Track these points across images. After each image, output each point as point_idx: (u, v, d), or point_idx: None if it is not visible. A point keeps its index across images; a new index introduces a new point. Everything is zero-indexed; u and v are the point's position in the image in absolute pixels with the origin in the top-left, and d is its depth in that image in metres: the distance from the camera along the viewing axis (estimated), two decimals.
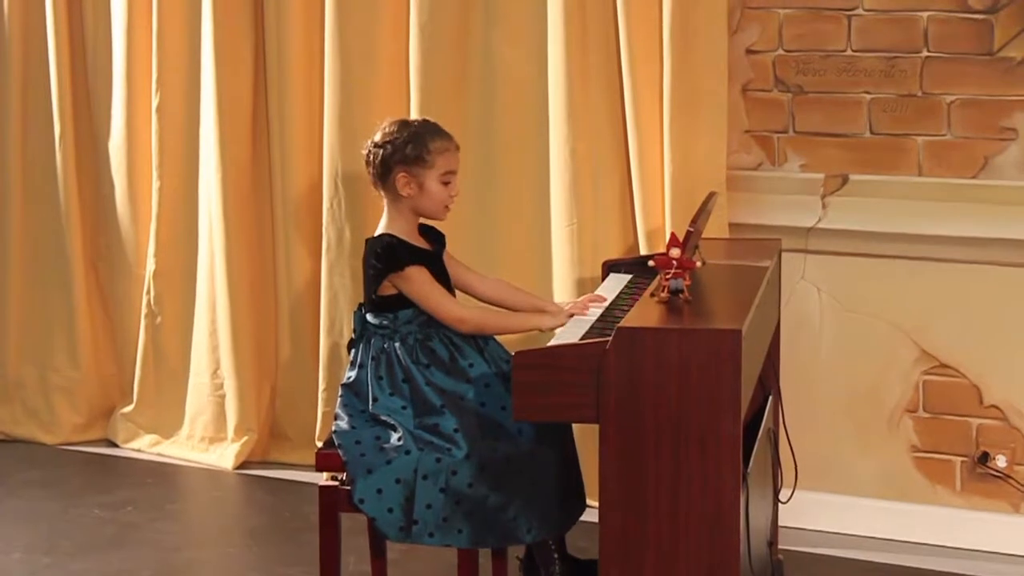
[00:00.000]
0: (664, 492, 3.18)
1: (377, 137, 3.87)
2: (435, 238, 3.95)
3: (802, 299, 4.80)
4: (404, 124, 3.86)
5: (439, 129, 3.89)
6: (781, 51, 4.78)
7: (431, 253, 3.88)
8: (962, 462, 4.70)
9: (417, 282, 3.78)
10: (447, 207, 3.87)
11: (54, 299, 5.89)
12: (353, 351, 3.88)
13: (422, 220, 3.92)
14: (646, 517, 3.19)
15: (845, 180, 4.75)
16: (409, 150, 3.81)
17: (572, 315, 3.81)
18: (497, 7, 5.06)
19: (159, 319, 5.72)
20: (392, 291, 3.81)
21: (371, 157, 3.86)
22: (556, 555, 3.93)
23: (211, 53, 5.45)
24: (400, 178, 3.82)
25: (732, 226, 4.79)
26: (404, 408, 3.72)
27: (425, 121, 3.93)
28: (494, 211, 5.13)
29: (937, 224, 4.63)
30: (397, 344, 3.79)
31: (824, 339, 4.80)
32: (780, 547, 4.49)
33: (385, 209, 3.89)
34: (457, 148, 3.88)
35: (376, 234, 3.86)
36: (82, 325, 5.87)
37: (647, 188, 4.84)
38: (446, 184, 3.84)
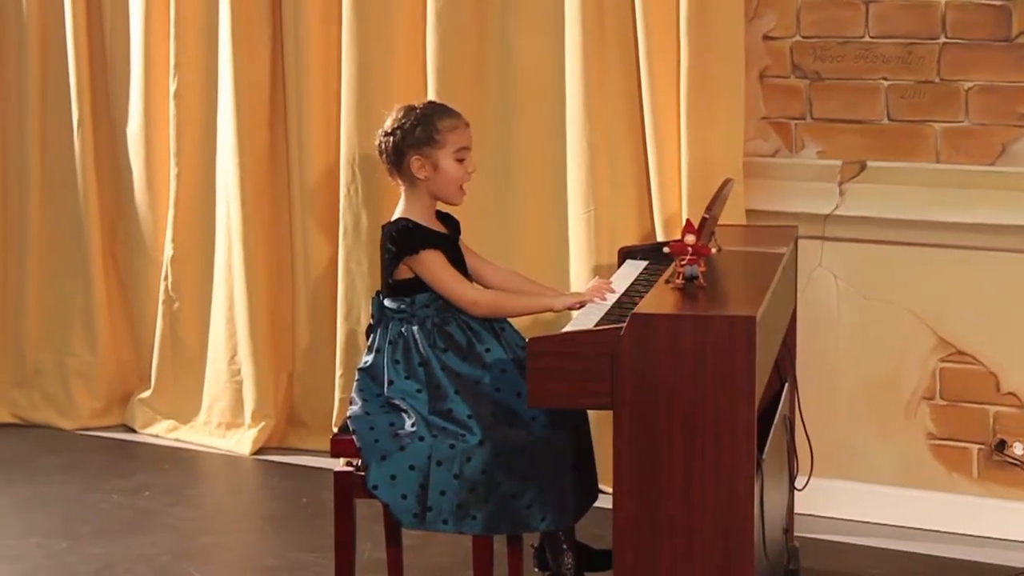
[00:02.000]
0: (678, 479, 3.18)
1: (387, 126, 3.88)
2: (451, 224, 3.95)
3: (819, 286, 4.80)
4: (410, 109, 3.88)
5: (446, 108, 3.91)
6: (798, 37, 4.77)
7: (447, 237, 3.89)
8: (979, 450, 4.69)
9: (431, 265, 3.79)
10: (463, 188, 3.87)
11: (72, 285, 5.91)
12: (371, 336, 3.88)
13: (439, 207, 3.92)
14: (660, 504, 3.19)
15: (863, 167, 4.73)
16: (419, 132, 3.82)
17: (583, 300, 3.80)
18: None
19: (176, 305, 5.73)
20: (409, 275, 3.81)
21: (383, 146, 3.87)
22: (565, 545, 3.93)
23: (228, 38, 5.45)
24: (414, 161, 3.83)
25: (749, 213, 4.78)
26: (419, 392, 3.73)
27: (431, 103, 3.97)
28: (511, 198, 5.13)
29: (954, 211, 4.62)
30: (415, 328, 3.79)
31: (841, 326, 4.80)
32: (796, 534, 4.49)
33: (402, 195, 3.89)
34: (467, 125, 3.89)
35: (392, 219, 3.87)
36: (100, 311, 5.89)
37: (664, 175, 4.83)
38: (460, 161, 3.85)
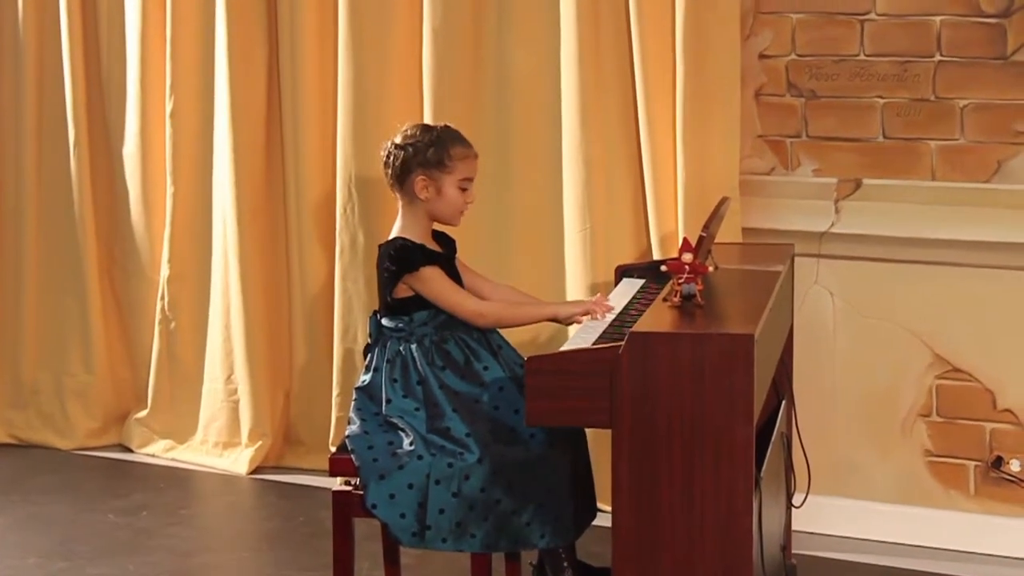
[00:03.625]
0: (677, 497, 3.18)
1: (398, 139, 3.88)
2: (447, 244, 3.96)
3: (815, 304, 4.80)
4: (427, 128, 3.89)
5: (461, 136, 3.91)
6: (794, 56, 4.79)
7: (443, 255, 3.89)
8: (976, 466, 4.70)
9: (432, 281, 3.79)
10: (462, 213, 3.89)
11: (69, 304, 5.90)
12: (369, 355, 3.89)
13: (435, 226, 3.93)
14: (659, 522, 3.19)
15: (858, 184, 4.74)
16: (430, 154, 3.83)
17: (587, 308, 3.81)
18: (510, 12, 5.07)
19: (173, 324, 5.73)
20: (407, 293, 3.82)
21: (390, 158, 3.87)
22: (565, 563, 3.93)
23: (225, 59, 5.46)
24: (419, 181, 3.83)
25: (745, 231, 4.79)
26: (417, 410, 3.73)
27: (447, 127, 3.95)
28: (508, 216, 5.14)
29: (950, 228, 4.63)
30: (413, 346, 3.80)
31: (837, 343, 4.80)
32: (793, 551, 4.49)
33: (400, 212, 3.90)
34: (476, 156, 3.91)
35: (389, 238, 3.87)
36: (97, 330, 5.88)
37: (660, 193, 4.84)
38: (463, 191, 3.86)
